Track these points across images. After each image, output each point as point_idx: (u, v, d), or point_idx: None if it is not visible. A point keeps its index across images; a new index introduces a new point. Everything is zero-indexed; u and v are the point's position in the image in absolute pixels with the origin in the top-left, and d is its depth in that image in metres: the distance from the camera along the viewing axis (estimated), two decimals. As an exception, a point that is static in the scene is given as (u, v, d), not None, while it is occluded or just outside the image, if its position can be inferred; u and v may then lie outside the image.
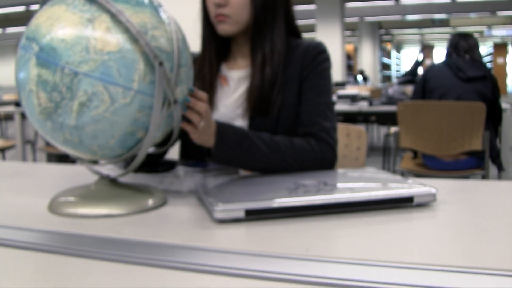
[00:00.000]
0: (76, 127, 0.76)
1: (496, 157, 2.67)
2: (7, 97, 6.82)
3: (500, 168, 2.75)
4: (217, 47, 1.18)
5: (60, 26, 0.75)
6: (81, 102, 0.74)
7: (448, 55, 2.89)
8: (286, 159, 0.99)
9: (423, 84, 2.88)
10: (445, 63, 2.85)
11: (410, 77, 5.15)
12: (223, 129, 0.94)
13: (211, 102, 1.16)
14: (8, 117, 5.58)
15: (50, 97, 0.75)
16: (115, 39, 0.75)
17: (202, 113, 0.87)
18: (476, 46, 2.86)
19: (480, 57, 2.88)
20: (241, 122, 1.13)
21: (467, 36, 2.90)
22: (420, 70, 5.16)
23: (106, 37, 0.74)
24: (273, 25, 1.12)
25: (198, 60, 1.20)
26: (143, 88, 0.76)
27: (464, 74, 2.72)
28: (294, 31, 1.19)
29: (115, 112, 0.76)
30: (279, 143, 1.00)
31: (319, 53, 1.14)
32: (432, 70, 2.92)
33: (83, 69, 0.73)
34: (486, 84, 2.72)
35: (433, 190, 0.81)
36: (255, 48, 1.12)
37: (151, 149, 0.86)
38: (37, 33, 0.76)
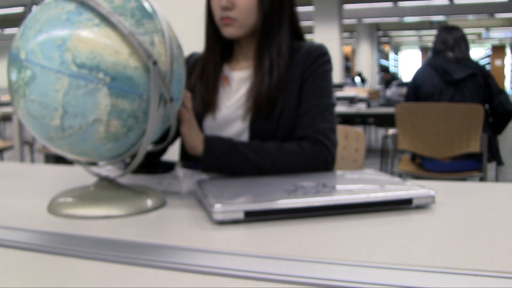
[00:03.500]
0: (137, 144, 0.79)
1: (496, 152, 2.64)
2: (5, 98, 6.79)
3: (499, 162, 2.71)
4: (221, 48, 1.18)
5: (128, 53, 0.72)
6: (160, 121, 0.79)
7: (434, 53, 2.80)
8: (275, 164, 1.00)
9: (414, 90, 2.82)
10: (430, 65, 2.76)
11: (398, 80, 5.19)
12: (210, 140, 0.98)
13: (214, 103, 1.16)
14: (6, 118, 5.57)
15: (124, 123, 0.75)
16: (175, 60, 0.79)
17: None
18: (462, 39, 2.75)
19: (466, 50, 2.75)
20: (240, 124, 1.13)
21: (452, 29, 2.78)
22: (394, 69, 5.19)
23: (173, 59, 0.77)
24: (280, 29, 1.12)
25: (201, 61, 1.20)
26: None
27: (451, 77, 2.65)
28: (297, 33, 1.19)
29: (168, 121, 0.83)
30: (268, 149, 1.01)
31: (320, 55, 1.14)
32: (420, 75, 2.83)
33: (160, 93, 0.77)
34: (478, 80, 2.64)
35: (432, 192, 0.81)
36: (262, 52, 1.12)
37: (149, 147, 0.87)
38: (102, 62, 0.71)
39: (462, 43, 2.75)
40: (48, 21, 0.73)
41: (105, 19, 0.73)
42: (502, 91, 2.71)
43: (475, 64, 2.70)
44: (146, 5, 0.79)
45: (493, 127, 2.75)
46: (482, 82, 2.66)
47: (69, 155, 0.81)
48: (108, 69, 0.71)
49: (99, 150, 0.78)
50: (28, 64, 0.72)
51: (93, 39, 0.72)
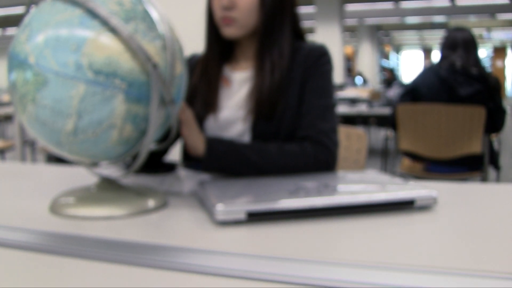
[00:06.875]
0: (138, 144, 0.79)
1: (495, 158, 2.63)
2: (7, 98, 6.80)
3: (497, 167, 2.69)
4: (221, 49, 1.18)
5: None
6: (161, 124, 0.79)
7: (442, 58, 2.66)
8: (276, 164, 1.00)
9: (412, 93, 2.71)
10: (435, 74, 2.61)
11: (398, 80, 5.16)
12: (211, 141, 0.98)
13: (215, 103, 1.15)
14: (8, 118, 5.58)
15: (137, 127, 0.75)
16: (180, 63, 0.80)
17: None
18: (471, 42, 2.59)
19: (475, 55, 2.59)
20: (241, 126, 1.12)
21: (461, 31, 2.64)
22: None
23: (177, 62, 0.78)
24: (281, 29, 1.12)
25: (201, 62, 1.20)
26: None
27: (456, 94, 2.54)
28: (298, 33, 1.18)
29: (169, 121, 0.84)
30: (269, 150, 1.01)
31: (321, 56, 1.13)
32: (422, 82, 2.69)
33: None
34: (483, 96, 2.53)
35: (434, 193, 0.81)
36: (263, 53, 1.11)
37: (152, 145, 0.87)
38: (119, 68, 0.70)
39: (471, 46, 2.60)
40: (59, 25, 0.71)
41: (107, 31, 0.72)
42: (501, 110, 2.59)
43: (483, 77, 2.54)
44: (149, 7, 0.79)
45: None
46: (486, 96, 2.53)
47: (75, 158, 0.80)
48: (124, 75, 0.71)
49: (109, 153, 0.78)
50: (40, 69, 0.70)
51: (110, 45, 0.71)
